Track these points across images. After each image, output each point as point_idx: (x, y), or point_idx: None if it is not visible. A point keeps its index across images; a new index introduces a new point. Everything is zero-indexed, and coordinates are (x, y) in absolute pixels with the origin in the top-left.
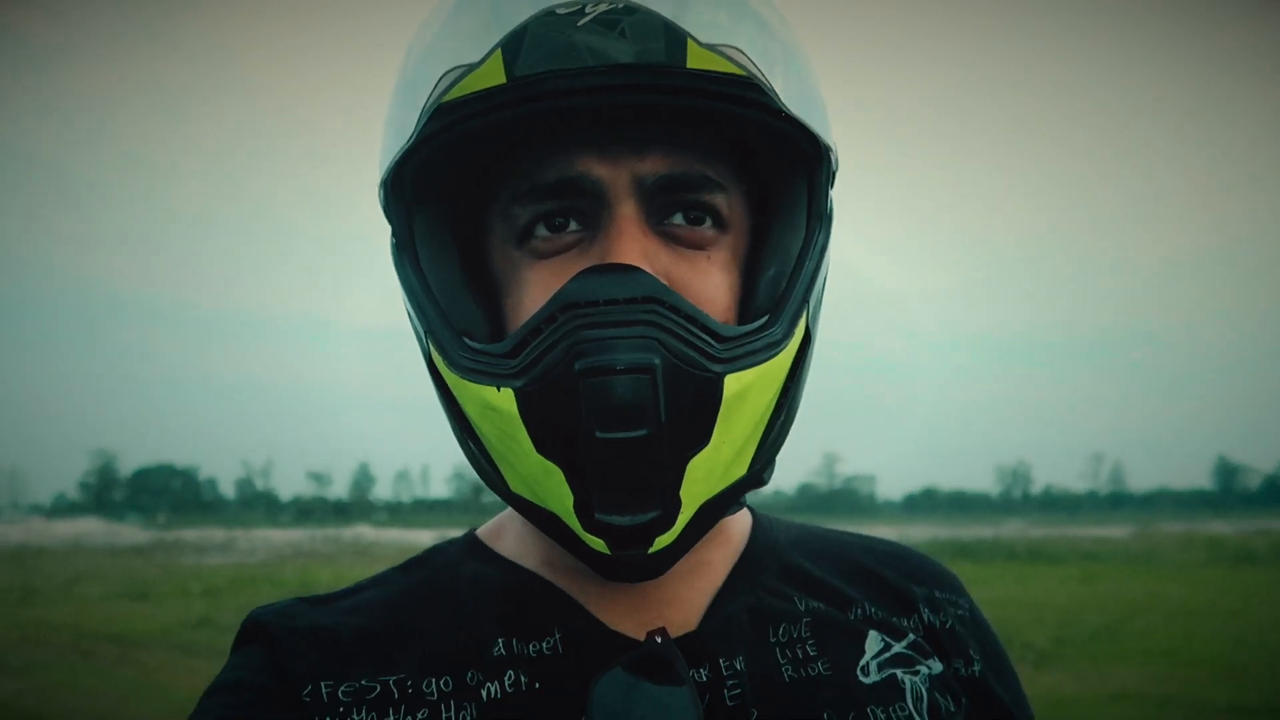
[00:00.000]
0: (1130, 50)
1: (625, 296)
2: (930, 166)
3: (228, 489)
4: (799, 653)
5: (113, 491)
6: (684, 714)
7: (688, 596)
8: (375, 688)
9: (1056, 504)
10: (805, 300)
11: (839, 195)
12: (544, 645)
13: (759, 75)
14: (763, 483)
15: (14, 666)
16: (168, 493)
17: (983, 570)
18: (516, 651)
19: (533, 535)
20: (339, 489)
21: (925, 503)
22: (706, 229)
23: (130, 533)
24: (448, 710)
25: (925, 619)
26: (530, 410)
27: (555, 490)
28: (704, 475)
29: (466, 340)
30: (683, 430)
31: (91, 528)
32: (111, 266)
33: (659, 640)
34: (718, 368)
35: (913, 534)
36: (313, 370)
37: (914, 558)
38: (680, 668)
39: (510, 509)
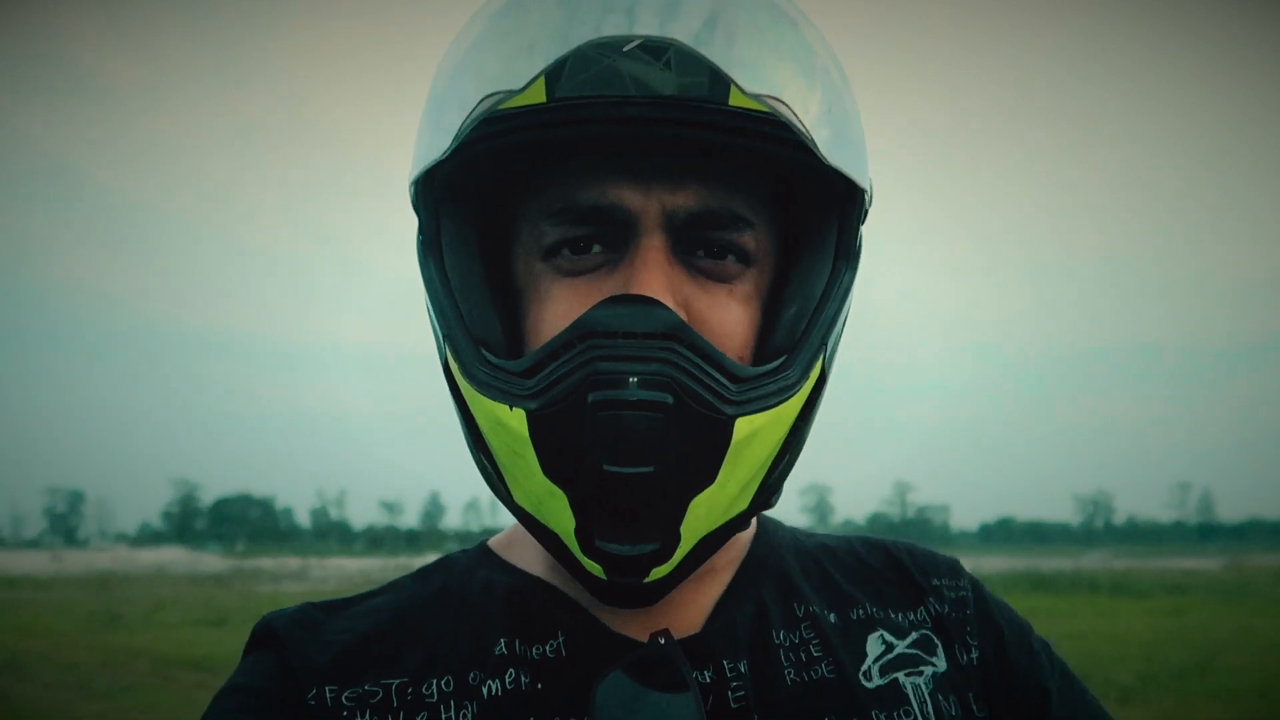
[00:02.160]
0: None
1: (644, 331)
2: (995, 180)
3: (303, 518)
4: (802, 655)
5: (194, 520)
6: (687, 715)
7: (693, 601)
8: (378, 692)
9: (1141, 535)
10: (823, 343)
11: (889, 222)
12: (547, 647)
13: (798, 124)
14: (769, 506)
15: (98, 690)
16: (246, 522)
17: (1063, 603)
18: (519, 652)
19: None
20: (410, 518)
21: (1001, 533)
22: (730, 263)
23: (210, 561)
24: (447, 711)
25: (930, 609)
26: (540, 434)
27: (558, 513)
28: (706, 512)
29: (484, 352)
30: (689, 469)
31: (174, 555)
32: (193, 303)
33: (662, 641)
34: (730, 410)
35: (988, 565)
36: (385, 402)
37: (913, 550)
38: (684, 669)
39: None
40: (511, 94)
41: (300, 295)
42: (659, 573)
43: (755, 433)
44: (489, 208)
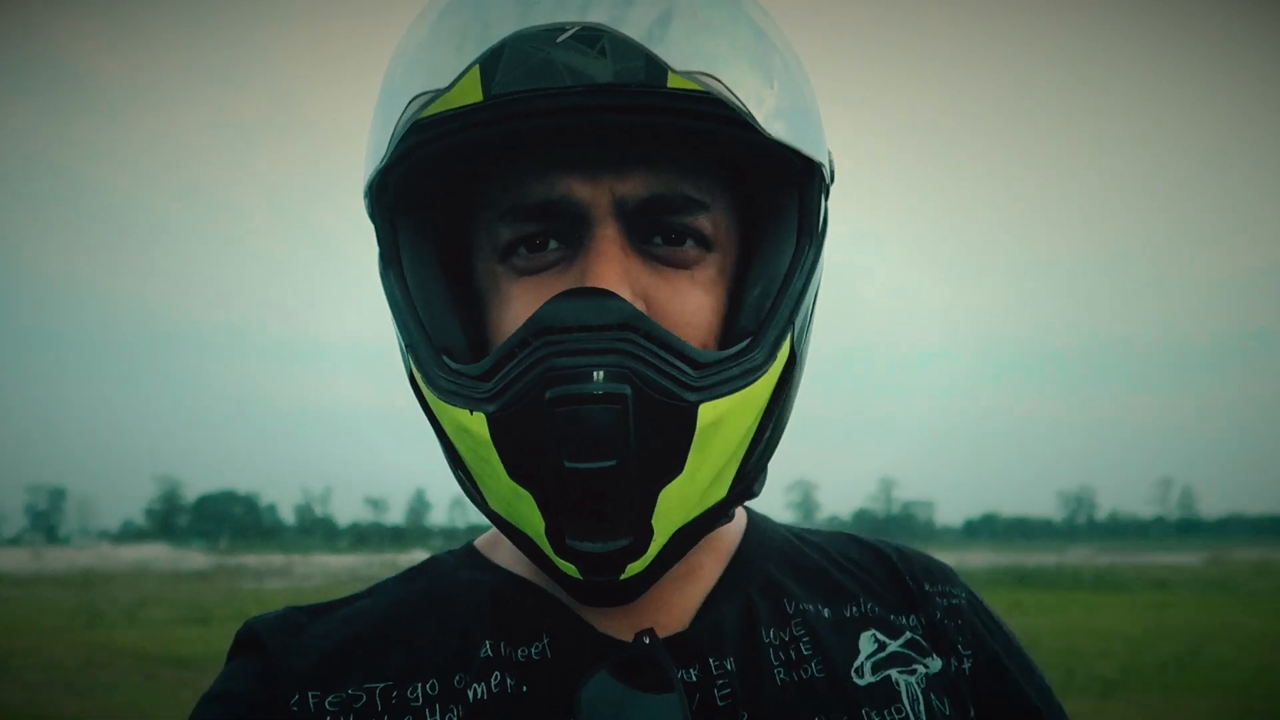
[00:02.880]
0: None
1: (598, 323)
2: (984, 179)
3: (287, 515)
4: (792, 654)
5: (177, 518)
6: (672, 714)
7: (680, 600)
8: (361, 696)
9: (1123, 530)
10: (790, 321)
11: (875, 206)
12: (532, 649)
13: (735, 101)
14: (753, 495)
15: (80, 687)
16: (230, 519)
17: (1046, 598)
18: (505, 654)
19: None
20: (395, 515)
21: (986, 529)
22: (689, 249)
23: (193, 558)
24: (432, 715)
25: (922, 615)
26: (502, 436)
27: (528, 515)
28: (678, 503)
29: (445, 359)
30: (653, 460)
31: (156, 553)
32: (178, 298)
33: (647, 641)
34: (692, 396)
35: (973, 560)
36: (371, 398)
37: (906, 552)
38: (668, 667)
39: None
40: (440, 93)
41: (286, 292)
42: (634, 569)
43: (722, 418)
44: (444, 214)
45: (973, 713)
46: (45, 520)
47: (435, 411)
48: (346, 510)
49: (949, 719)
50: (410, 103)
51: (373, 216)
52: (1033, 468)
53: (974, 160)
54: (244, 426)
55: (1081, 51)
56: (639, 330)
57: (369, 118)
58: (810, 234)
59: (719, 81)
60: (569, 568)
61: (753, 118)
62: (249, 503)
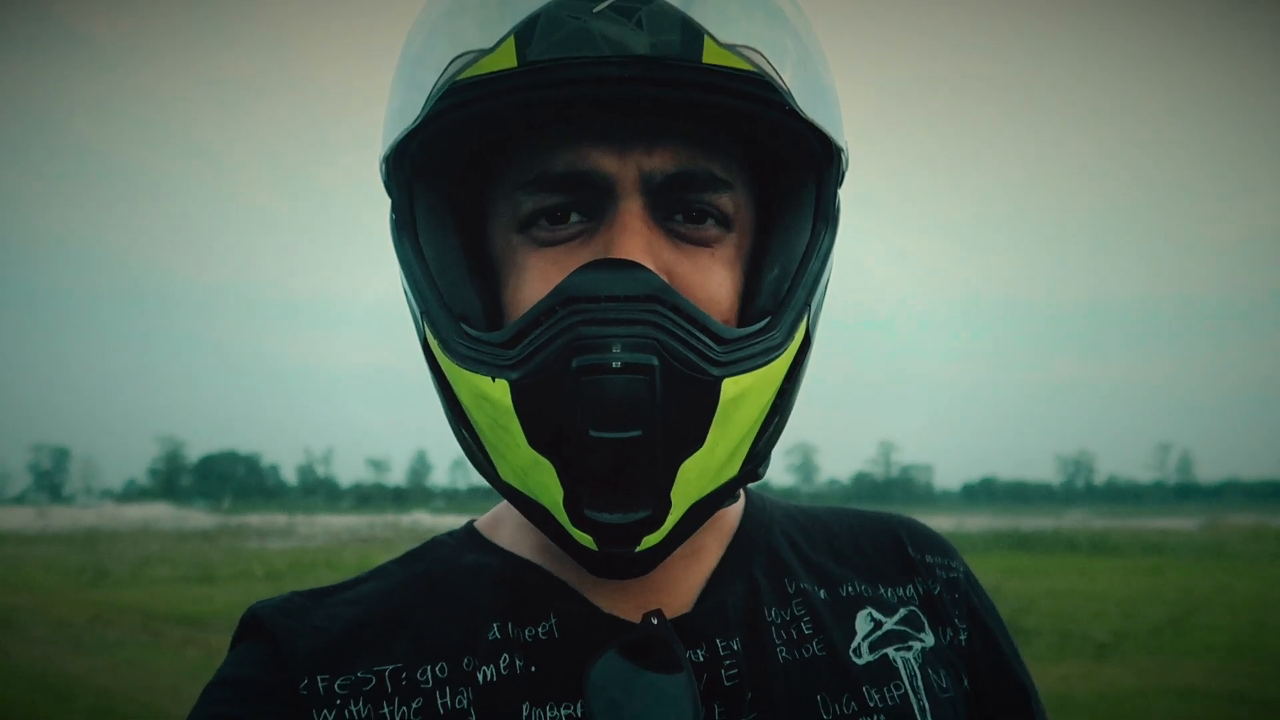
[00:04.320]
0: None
1: (626, 294)
2: (986, 140)
3: (290, 475)
4: (793, 633)
5: (180, 477)
6: (680, 693)
7: (683, 581)
8: (371, 679)
9: (1121, 495)
10: (807, 304)
11: (871, 188)
12: (540, 630)
13: (775, 76)
14: (758, 477)
15: (86, 645)
16: (232, 479)
17: (1043, 561)
18: (512, 636)
19: (529, 525)
20: (397, 475)
21: (984, 493)
22: (710, 227)
23: (197, 517)
24: (443, 696)
25: (920, 587)
26: (525, 404)
27: (546, 484)
28: (696, 477)
29: (464, 326)
30: (677, 433)
31: (160, 512)
32: (179, 257)
33: (655, 622)
34: (716, 371)
35: (971, 524)
36: (373, 359)
37: (905, 524)
38: (676, 648)
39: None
40: (483, 53)
41: (288, 251)
42: (650, 541)
43: (743, 394)
44: (462, 182)
45: (966, 684)
46: (49, 479)
47: (451, 379)
48: (348, 471)
49: (945, 691)
50: (451, 62)
51: (389, 180)
52: (1031, 432)
53: (975, 122)
54: (246, 387)
55: (1087, 10)
56: (666, 303)
57: (365, 75)
58: (826, 219)
59: (763, 56)
60: (585, 538)
61: (792, 98)
62: (251, 463)
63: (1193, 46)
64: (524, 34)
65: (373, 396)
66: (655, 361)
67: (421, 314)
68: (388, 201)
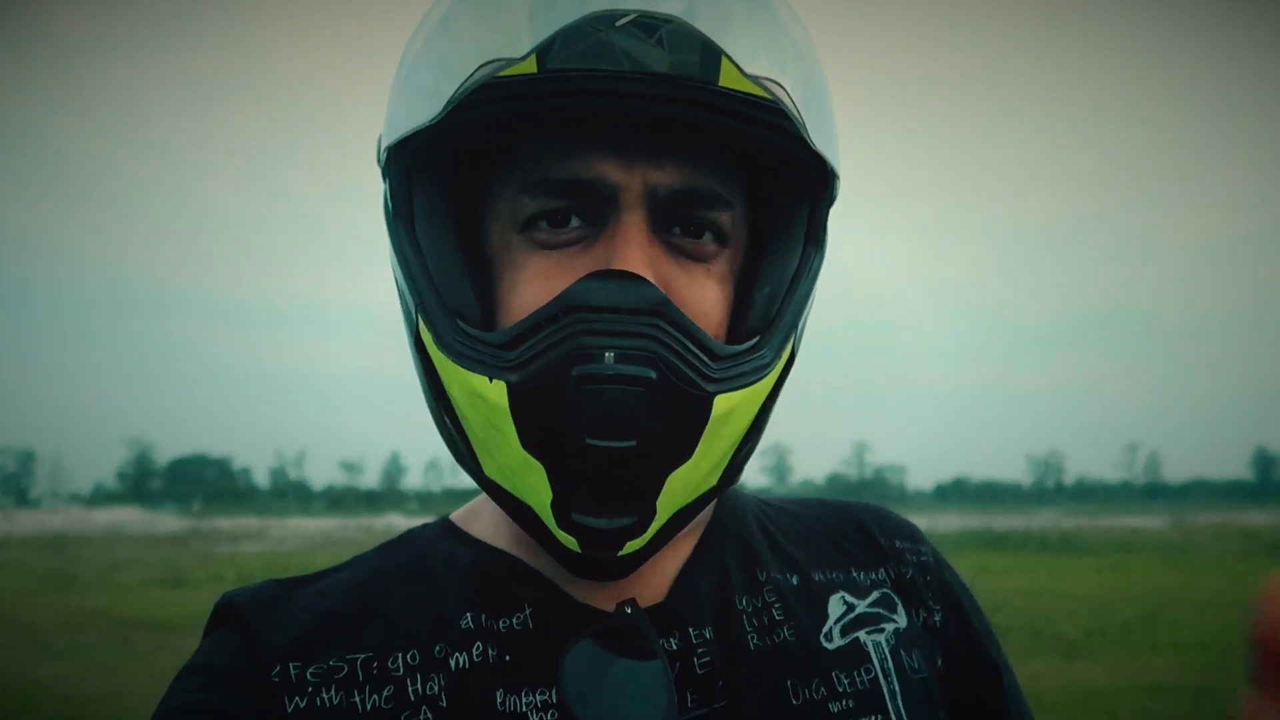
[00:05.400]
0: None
1: (629, 306)
2: (958, 146)
3: (261, 478)
4: (764, 619)
5: (150, 481)
6: (654, 682)
7: (657, 569)
8: (343, 667)
9: (1090, 494)
10: (795, 325)
11: (858, 183)
12: (514, 619)
13: (792, 109)
14: (732, 483)
15: (53, 650)
16: (203, 482)
17: (1014, 560)
18: (485, 625)
19: (506, 518)
20: (370, 478)
21: (956, 492)
22: (707, 242)
23: (166, 521)
24: (414, 684)
25: (890, 571)
26: (521, 406)
27: (534, 485)
28: (681, 487)
29: (460, 323)
30: (669, 445)
31: (129, 516)
32: (145, 258)
33: (629, 611)
34: (710, 387)
35: (943, 523)
36: (345, 360)
37: (872, 510)
38: (650, 636)
39: (485, 495)
40: (511, 62)
41: (256, 251)
42: (632, 546)
43: (731, 411)
44: (462, 178)
45: (940, 664)
46: (15, 483)
47: (442, 372)
48: (321, 474)
49: (918, 672)
50: (481, 67)
51: (387, 169)
52: (1003, 433)
53: (946, 128)
54: (217, 389)
55: (1061, 18)
56: (667, 317)
57: (338, 76)
58: (816, 243)
59: (783, 89)
60: (569, 540)
61: (806, 130)
62: (222, 466)
63: (1161, 56)
64: (545, 41)
65: (346, 399)
66: (653, 375)
67: (416, 306)
68: (360, 205)
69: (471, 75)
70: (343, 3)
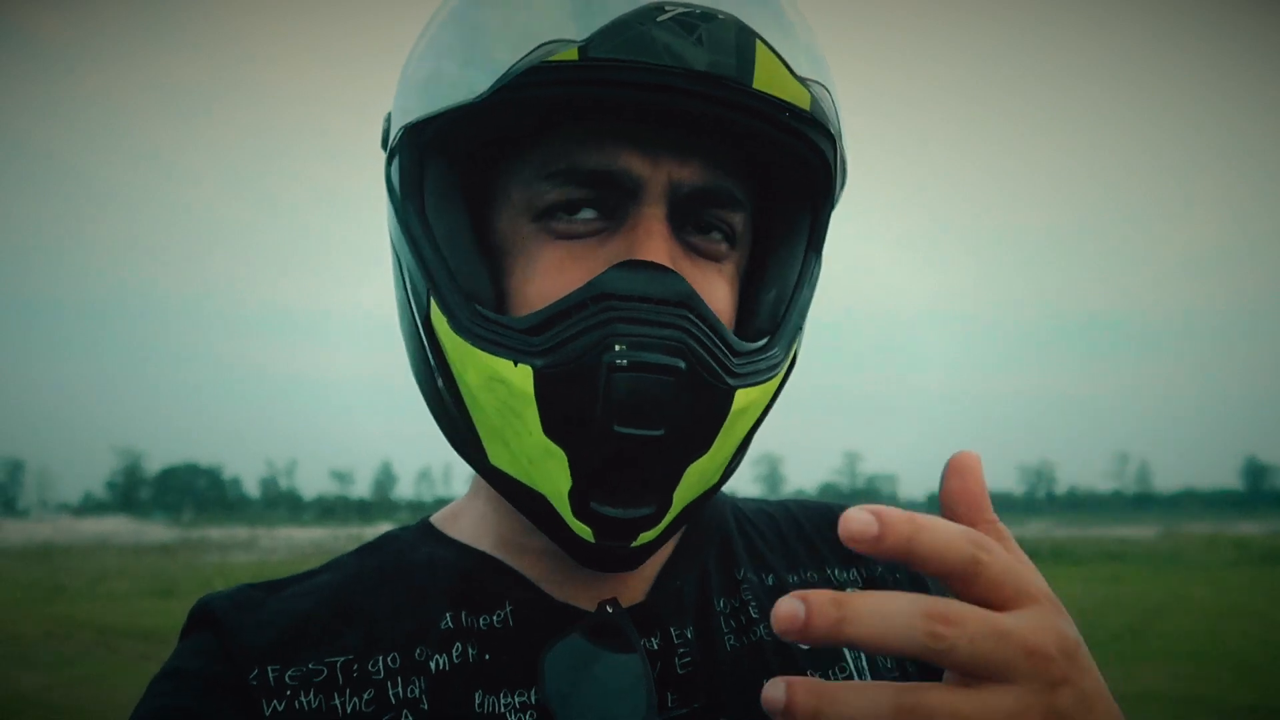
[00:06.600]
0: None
1: (660, 297)
2: (951, 155)
3: (252, 488)
4: (741, 620)
5: (139, 490)
6: (635, 680)
7: (637, 571)
8: (322, 670)
9: (1081, 504)
10: (800, 328)
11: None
12: (494, 619)
13: (834, 119)
14: (726, 481)
15: (41, 661)
16: (193, 492)
17: None
18: (465, 625)
19: (488, 519)
20: (361, 488)
21: None
22: (719, 241)
23: (156, 531)
24: (394, 687)
25: (862, 571)
26: (547, 392)
27: (552, 473)
28: (696, 479)
29: (478, 307)
30: (692, 436)
31: (118, 526)
32: (137, 267)
33: (610, 610)
34: (732, 381)
35: None
36: (336, 369)
37: (845, 509)
38: (631, 635)
39: (466, 496)
40: (567, 45)
41: (244, 259)
42: (645, 537)
43: (748, 406)
44: (475, 161)
45: (914, 663)
46: (3, 493)
47: (455, 358)
48: (312, 483)
49: (891, 670)
50: (538, 48)
51: (398, 149)
52: (994, 442)
53: (937, 134)
54: (207, 398)
55: (1054, 28)
56: (695, 310)
57: (321, 82)
58: (817, 248)
59: (828, 93)
60: (584, 530)
61: (839, 134)
62: (212, 475)
63: (1153, 67)
64: (603, 30)
65: (337, 408)
66: (683, 365)
67: (429, 288)
68: (349, 210)
69: (526, 55)
70: (332, 11)
